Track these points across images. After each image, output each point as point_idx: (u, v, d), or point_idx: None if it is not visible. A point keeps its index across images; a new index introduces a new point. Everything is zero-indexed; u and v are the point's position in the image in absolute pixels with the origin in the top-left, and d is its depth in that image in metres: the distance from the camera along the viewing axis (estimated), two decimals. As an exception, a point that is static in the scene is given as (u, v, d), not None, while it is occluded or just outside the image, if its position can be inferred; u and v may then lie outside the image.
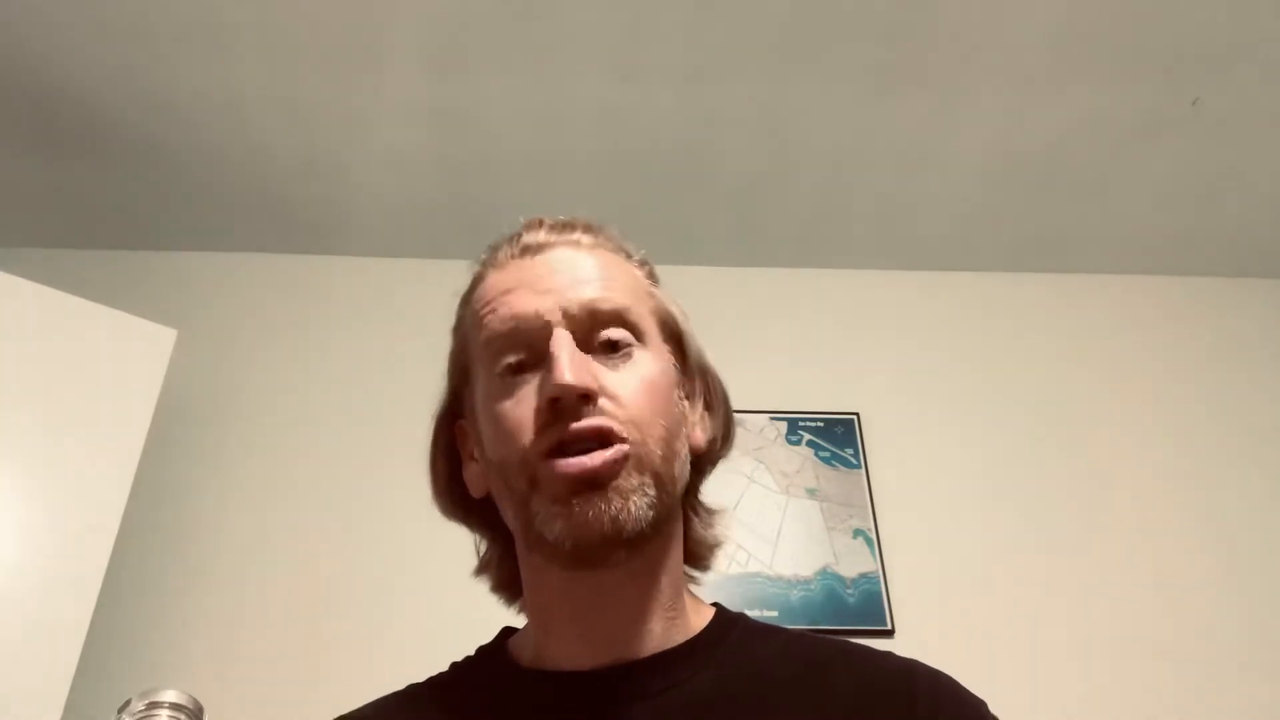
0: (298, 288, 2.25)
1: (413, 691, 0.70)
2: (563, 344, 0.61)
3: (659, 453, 0.62)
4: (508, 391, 0.63)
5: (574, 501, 0.59)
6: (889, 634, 1.83)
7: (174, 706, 0.61)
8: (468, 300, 0.71)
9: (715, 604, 0.72)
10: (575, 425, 0.59)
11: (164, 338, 1.79)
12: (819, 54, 1.85)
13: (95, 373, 1.70)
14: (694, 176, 2.11)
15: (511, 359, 0.64)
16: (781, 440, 2.07)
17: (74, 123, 1.96)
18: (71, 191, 2.13)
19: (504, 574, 0.72)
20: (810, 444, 2.07)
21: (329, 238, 2.26)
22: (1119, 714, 1.77)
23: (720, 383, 0.73)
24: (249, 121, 1.97)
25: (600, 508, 0.58)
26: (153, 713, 0.61)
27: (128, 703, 0.62)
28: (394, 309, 2.22)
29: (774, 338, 2.18)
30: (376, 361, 2.14)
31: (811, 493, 2.01)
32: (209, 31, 1.79)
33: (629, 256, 0.72)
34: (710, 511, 0.73)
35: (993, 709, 0.63)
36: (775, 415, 2.09)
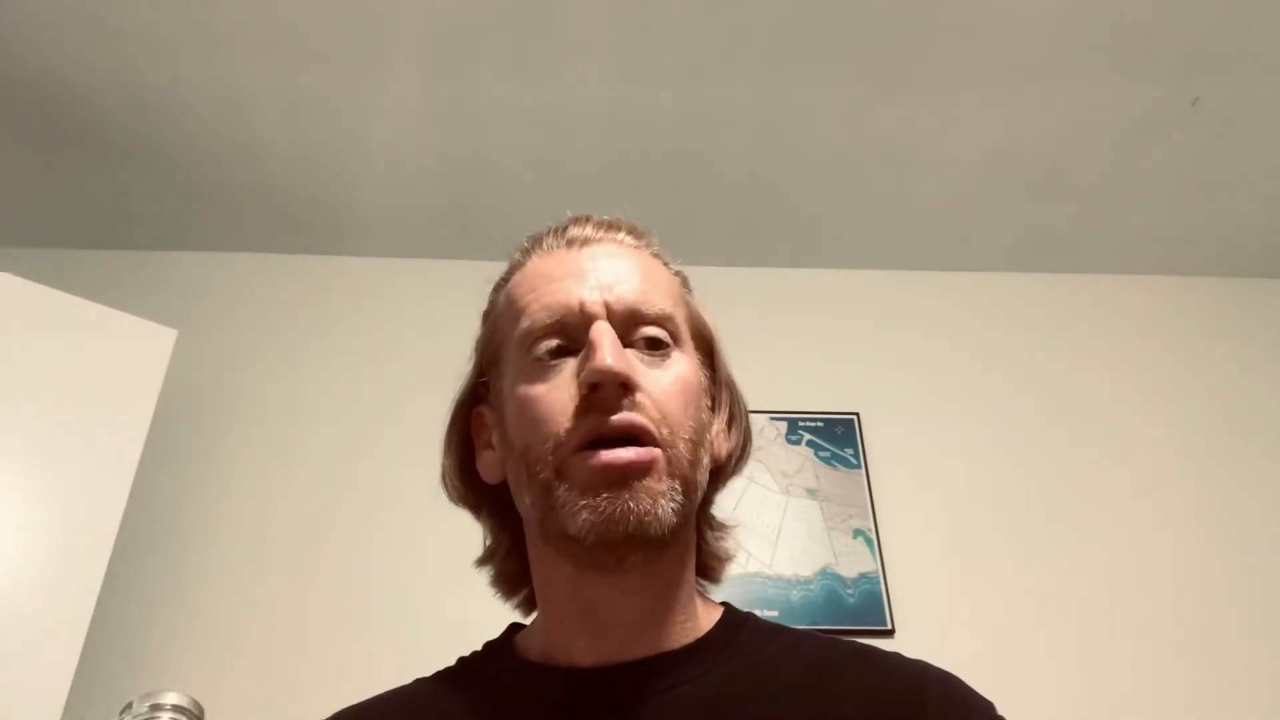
0: (298, 288, 2.25)
1: (419, 685, 0.70)
2: (604, 331, 0.61)
3: (688, 457, 0.62)
4: (542, 376, 0.63)
5: (604, 495, 0.58)
6: (889, 634, 1.83)
7: (175, 709, 0.61)
8: (503, 285, 0.71)
9: (724, 603, 0.72)
10: (614, 420, 0.59)
11: (164, 338, 1.79)
12: (819, 54, 1.85)
13: (95, 373, 1.69)
14: (694, 176, 2.11)
15: (550, 344, 0.63)
16: (781, 440, 2.07)
17: (74, 123, 1.96)
18: (71, 191, 2.13)
19: (507, 566, 0.71)
20: (810, 444, 2.07)
21: (329, 238, 2.26)
22: (1122, 714, 1.77)
23: (743, 400, 0.73)
24: (249, 121, 1.97)
25: (629, 505, 0.58)
26: (154, 715, 0.61)
27: (129, 705, 0.62)
28: (394, 309, 2.22)
29: (774, 338, 2.18)
30: (376, 361, 2.14)
31: (811, 493, 2.01)
32: (209, 31, 1.79)
33: (665, 265, 0.73)
34: (722, 525, 0.73)
35: (995, 710, 0.63)
36: (775, 415, 2.09)
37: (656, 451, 0.60)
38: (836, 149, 2.06)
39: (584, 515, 0.58)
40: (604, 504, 0.58)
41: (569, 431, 0.60)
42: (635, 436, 0.59)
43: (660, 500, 0.59)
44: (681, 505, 0.60)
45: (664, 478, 0.60)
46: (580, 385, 0.60)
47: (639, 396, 0.61)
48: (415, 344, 2.12)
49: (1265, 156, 2.06)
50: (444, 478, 0.73)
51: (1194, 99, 1.93)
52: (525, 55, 1.85)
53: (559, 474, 0.60)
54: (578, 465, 0.59)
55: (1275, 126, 1.99)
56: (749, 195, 2.17)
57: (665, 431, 0.61)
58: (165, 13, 1.75)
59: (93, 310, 1.73)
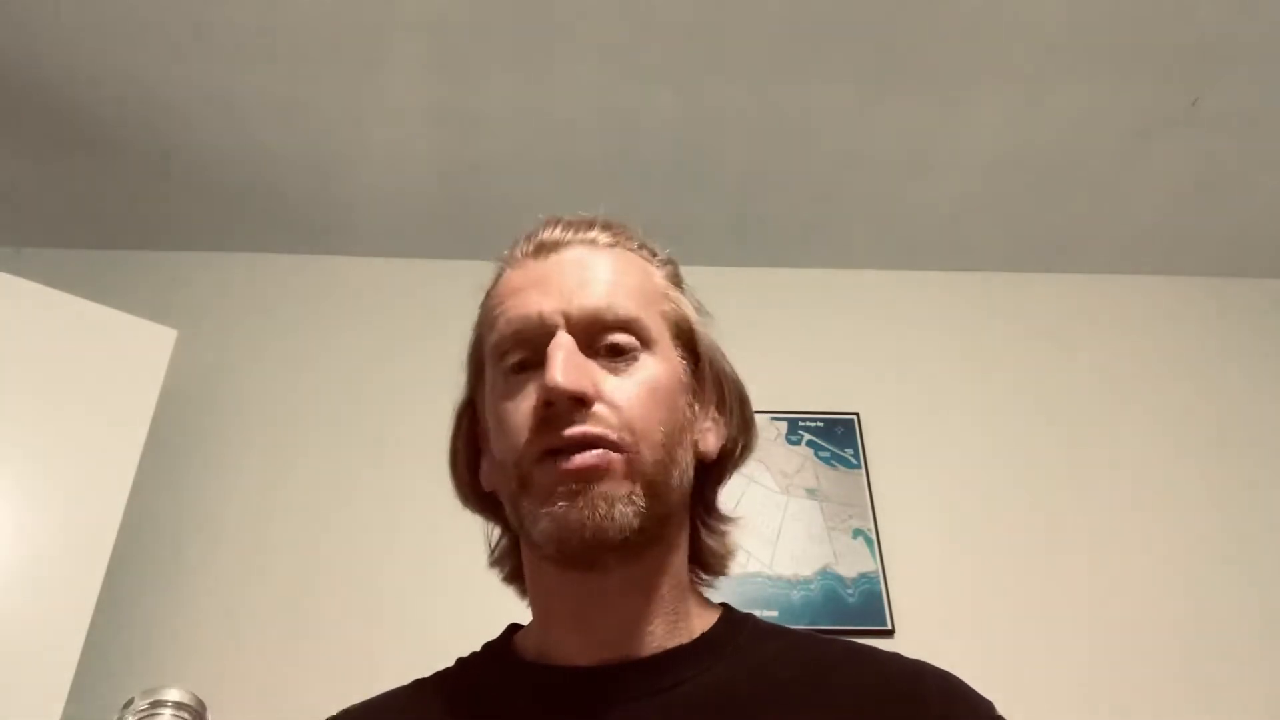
0: (298, 288, 2.25)
1: (419, 685, 0.70)
2: (561, 346, 0.61)
3: (653, 460, 0.62)
4: (510, 391, 0.64)
5: (558, 505, 0.59)
6: (889, 634, 1.83)
7: (177, 705, 0.62)
8: (486, 296, 0.72)
9: (723, 604, 0.72)
10: (566, 432, 0.59)
11: (164, 338, 1.79)
12: (819, 54, 1.85)
13: (95, 373, 1.69)
14: (694, 176, 2.11)
15: (515, 358, 0.64)
16: (781, 440, 2.07)
17: (74, 123, 1.96)
18: (71, 191, 2.13)
19: (516, 564, 0.72)
20: (810, 444, 2.07)
21: (329, 238, 2.26)
22: (1123, 713, 1.77)
23: (739, 387, 0.73)
24: (249, 121, 1.97)
25: (584, 514, 0.58)
26: (156, 711, 0.61)
27: (130, 701, 0.62)
28: (394, 309, 2.22)
29: (774, 338, 2.18)
30: (376, 361, 2.14)
31: (811, 493, 2.01)
32: (209, 31, 1.79)
33: (653, 255, 0.72)
34: (721, 519, 0.72)
35: (994, 708, 0.63)
36: (775, 415, 2.09)
37: (615, 456, 0.60)
38: (837, 149, 2.05)
39: (543, 524, 0.60)
40: (560, 512, 0.59)
41: (528, 445, 0.61)
42: (591, 446, 0.60)
43: (617, 504, 0.59)
44: (644, 508, 0.60)
45: (624, 481, 0.60)
46: (537, 400, 0.61)
47: (597, 408, 0.61)
48: (415, 344, 2.12)
49: (1265, 156, 2.06)
50: (452, 483, 0.73)
51: (1194, 99, 1.93)
52: (525, 55, 1.85)
53: (522, 486, 0.62)
54: (537, 475, 0.60)
55: (1275, 126, 1.99)
56: (749, 195, 2.17)
57: (627, 438, 0.61)
58: (166, 13, 1.75)
59: (93, 310, 1.73)
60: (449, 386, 0.75)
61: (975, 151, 2.06)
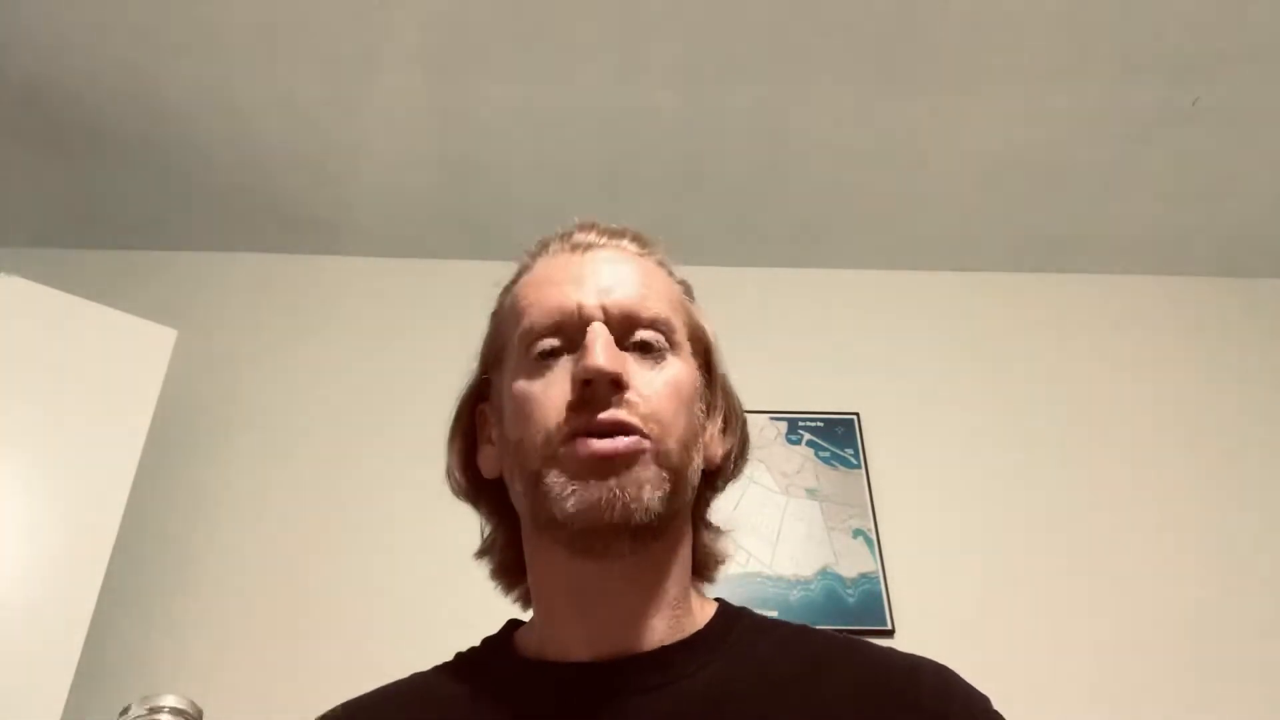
0: (298, 288, 2.25)
1: (416, 680, 0.71)
2: (599, 332, 0.63)
3: (677, 451, 0.63)
4: (538, 373, 0.65)
5: (590, 481, 0.60)
6: (889, 634, 1.83)
7: (174, 711, 0.62)
8: (510, 288, 0.73)
9: (718, 599, 0.72)
10: (603, 416, 0.61)
11: (164, 338, 1.79)
12: (819, 54, 1.85)
13: (95, 373, 1.69)
14: (694, 176, 2.11)
15: (546, 345, 0.66)
16: (781, 440, 2.07)
17: (74, 123, 1.96)
18: (71, 191, 2.13)
19: (505, 559, 0.73)
20: (810, 444, 2.07)
21: (329, 238, 2.26)
22: (1121, 713, 1.77)
23: (740, 406, 0.75)
24: (249, 121, 1.97)
25: (614, 492, 0.60)
26: (153, 717, 0.61)
27: (128, 708, 0.62)
28: (394, 309, 2.22)
29: (774, 338, 2.18)
30: (376, 361, 2.14)
31: (811, 493, 2.01)
32: (209, 31, 1.79)
33: (670, 274, 0.74)
34: (718, 528, 0.74)
35: (990, 703, 0.63)
36: (775, 415, 2.09)
37: (645, 442, 0.61)
38: (837, 149, 2.05)
39: (571, 500, 0.60)
40: (591, 490, 0.60)
41: (560, 425, 0.62)
42: (624, 430, 0.61)
43: (646, 487, 0.60)
44: (669, 495, 0.62)
45: (652, 466, 0.61)
46: (573, 382, 0.62)
47: (630, 395, 0.62)
48: (414, 344, 2.12)
49: (1265, 156, 2.06)
50: (448, 471, 0.74)
51: (1194, 99, 1.93)
52: (525, 55, 1.85)
53: (548, 463, 0.62)
54: (567, 454, 0.61)
55: (1275, 126, 1.99)
56: (749, 195, 2.17)
57: (655, 428, 0.62)
58: (166, 13, 1.75)
59: (93, 310, 1.73)
60: (448, 386, 0.75)
61: (975, 151, 2.06)
